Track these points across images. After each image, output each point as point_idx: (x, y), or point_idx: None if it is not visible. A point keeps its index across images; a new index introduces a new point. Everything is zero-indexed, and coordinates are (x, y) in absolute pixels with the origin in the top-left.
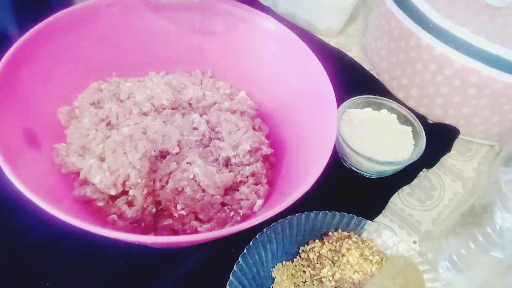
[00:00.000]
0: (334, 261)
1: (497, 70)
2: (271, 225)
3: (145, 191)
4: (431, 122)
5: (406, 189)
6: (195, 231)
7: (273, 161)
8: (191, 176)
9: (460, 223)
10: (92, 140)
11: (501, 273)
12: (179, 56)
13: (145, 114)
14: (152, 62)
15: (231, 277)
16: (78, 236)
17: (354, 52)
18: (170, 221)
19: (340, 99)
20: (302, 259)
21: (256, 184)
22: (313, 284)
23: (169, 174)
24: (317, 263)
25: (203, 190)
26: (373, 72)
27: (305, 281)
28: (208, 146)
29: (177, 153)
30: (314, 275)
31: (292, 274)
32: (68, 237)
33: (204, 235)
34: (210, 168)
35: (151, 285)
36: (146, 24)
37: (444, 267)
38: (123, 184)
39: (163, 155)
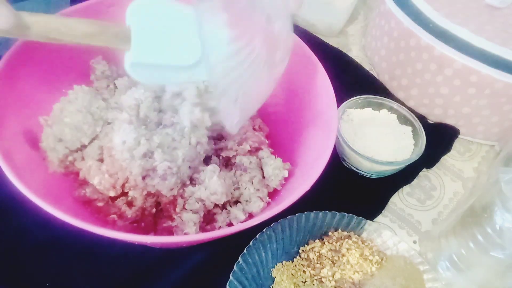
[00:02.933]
0: (334, 261)
1: (497, 70)
2: (271, 225)
3: (145, 192)
4: (431, 122)
5: (406, 189)
6: None
7: None
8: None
9: (460, 223)
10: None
11: (501, 273)
12: None
13: None
14: None
15: (231, 277)
16: (78, 236)
17: (354, 52)
18: (169, 223)
19: (340, 99)
20: (302, 259)
21: None
22: (313, 284)
23: None
24: (317, 263)
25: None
26: (373, 72)
27: (305, 281)
28: None
29: None
30: (314, 275)
31: (292, 274)
32: (68, 237)
33: (204, 235)
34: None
35: (151, 285)
36: None
37: (444, 267)
38: (122, 185)
39: None
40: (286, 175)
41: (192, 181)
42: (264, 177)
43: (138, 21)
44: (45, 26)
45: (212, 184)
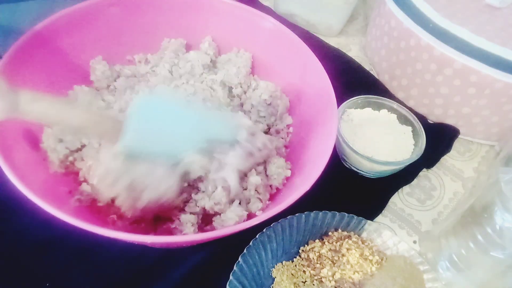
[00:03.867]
0: (334, 261)
1: (497, 70)
2: (271, 225)
3: None
4: (431, 122)
5: (406, 189)
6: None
7: None
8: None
9: (460, 223)
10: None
11: (501, 273)
12: None
13: None
14: None
15: (231, 277)
16: (78, 236)
17: (354, 52)
18: (169, 224)
19: (340, 99)
20: (302, 259)
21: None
22: (313, 284)
23: None
24: (317, 263)
25: None
26: (373, 72)
27: (305, 281)
28: None
29: None
30: (314, 275)
31: (292, 274)
32: (68, 237)
33: (204, 235)
34: None
35: (151, 285)
36: (145, 24)
37: (444, 267)
38: None
39: None
40: (289, 175)
41: (191, 184)
42: (267, 175)
43: (135, 115)
44: (41, 116)
45: (217, 195)
